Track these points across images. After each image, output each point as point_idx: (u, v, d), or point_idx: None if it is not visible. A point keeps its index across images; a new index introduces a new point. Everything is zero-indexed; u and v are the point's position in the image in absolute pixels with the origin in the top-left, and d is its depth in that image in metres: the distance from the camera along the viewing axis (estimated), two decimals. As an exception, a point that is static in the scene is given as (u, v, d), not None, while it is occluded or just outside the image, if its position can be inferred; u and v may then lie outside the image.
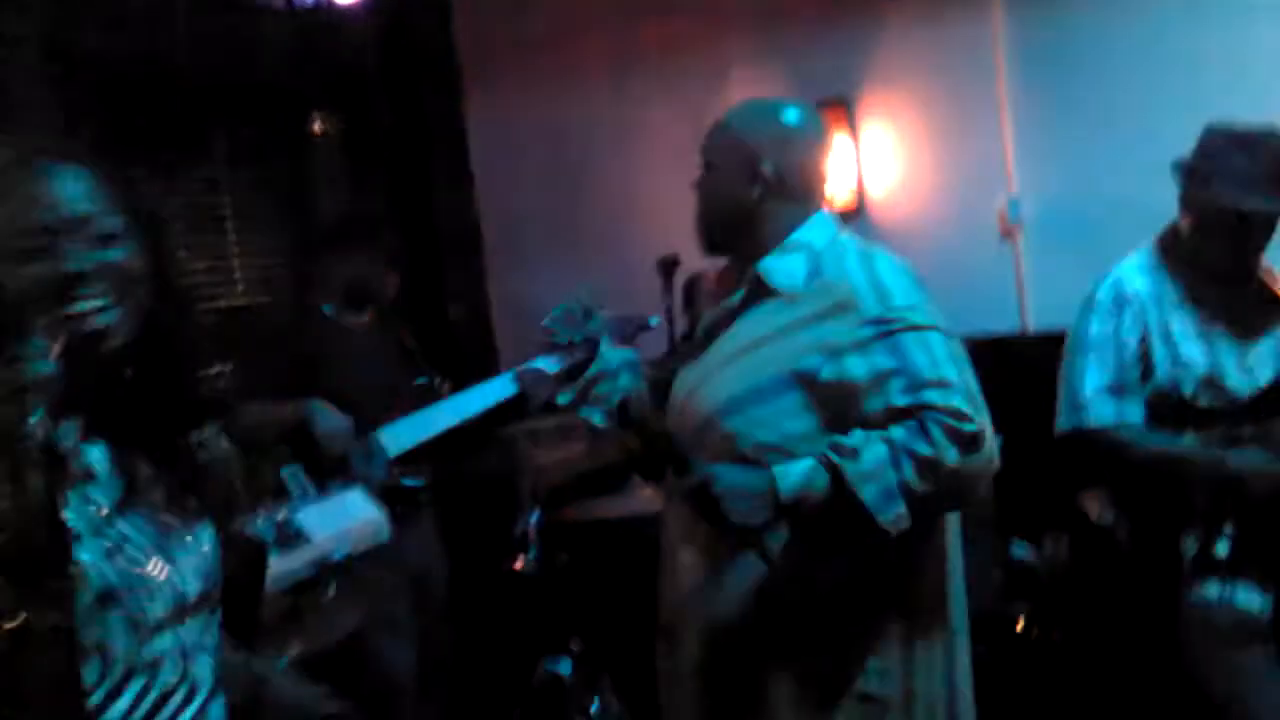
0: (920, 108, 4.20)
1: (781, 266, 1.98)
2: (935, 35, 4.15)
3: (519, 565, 3.38)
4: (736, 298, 2.03)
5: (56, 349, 1.20)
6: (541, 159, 4.87)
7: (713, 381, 1.99)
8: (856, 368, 1.85)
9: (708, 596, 1.95)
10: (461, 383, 3.39)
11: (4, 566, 1.14)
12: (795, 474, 1.81)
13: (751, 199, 2.01)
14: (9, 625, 1.13)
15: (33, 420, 1.14)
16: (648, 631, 2.16)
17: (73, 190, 1.27)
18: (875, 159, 4.28)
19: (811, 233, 2.00)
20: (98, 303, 1.25)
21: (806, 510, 1.82)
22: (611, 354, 2.32)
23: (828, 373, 1.86)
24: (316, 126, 4.64)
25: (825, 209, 2.06)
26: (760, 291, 1.99)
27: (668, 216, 4.75)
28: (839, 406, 1.87)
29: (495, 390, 3.17)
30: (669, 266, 3.15)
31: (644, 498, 3.44)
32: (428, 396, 3.21)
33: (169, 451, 1.39)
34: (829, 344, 1.87)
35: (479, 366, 4.38)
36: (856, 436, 1.82)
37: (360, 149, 4.75)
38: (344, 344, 3.22)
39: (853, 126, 4.26)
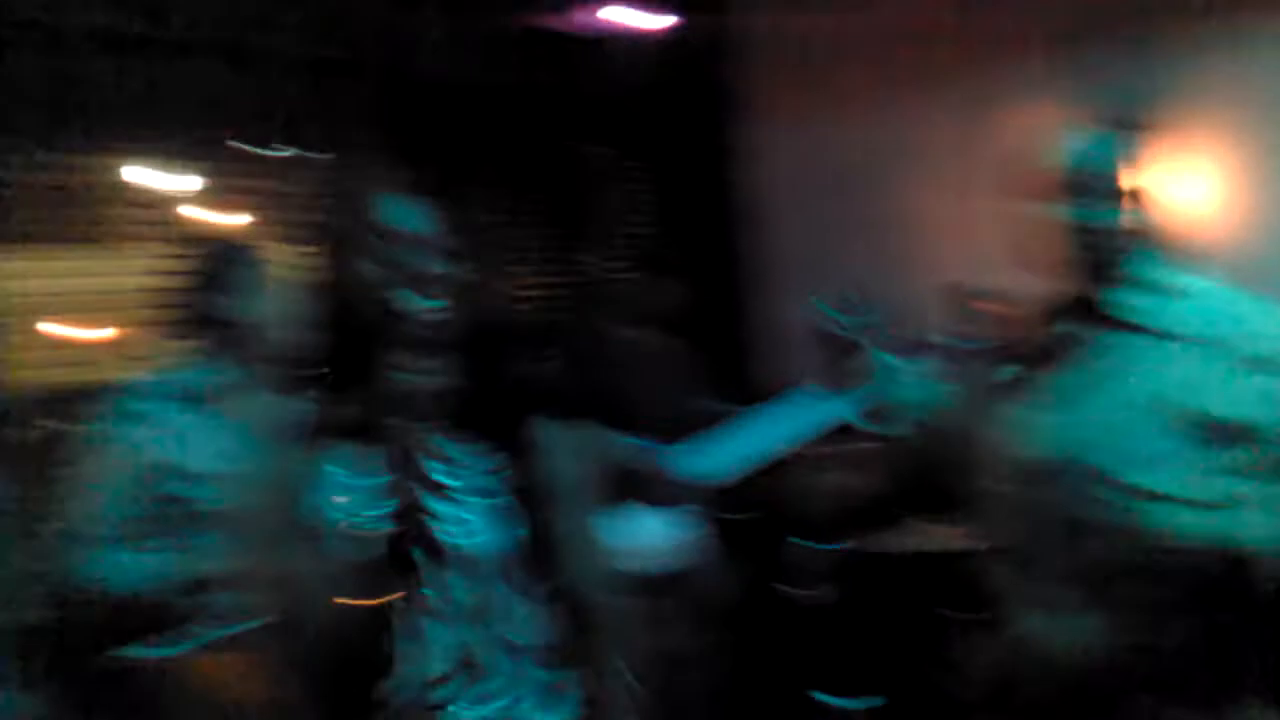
0: (1233, 135, 3.95)
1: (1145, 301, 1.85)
2: (1244, 57, 3.89)
3: (802, 595, 3.36)
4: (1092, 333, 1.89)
5: (433, 361, 1.35)
6: (823, 183, 4.86)
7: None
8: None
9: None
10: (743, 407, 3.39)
11: (388, 556, 1.32)
12: None
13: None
14: (377, 601, 1.30)
15: (415, 422, 1.27)
16: (929, 674, 2.07)
17: (411, 207, 1.48)
18: (1184, 186, 4.04)
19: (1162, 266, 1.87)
20: (414, 299, 1.43)
21: None
22: (901, 368, 2.25)
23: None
24: (601, 151, 4.82)
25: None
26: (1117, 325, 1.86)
27: (954, 242, 4.73)
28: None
29: (812, 419, 3.09)
30: (962, 294, 3.06)
31: (941, 534, 3.33)
32: (713, 420, 3.21)
33: (508, 444, 1.50)
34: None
35: (754, 391, 4.38)
36: None
37: (644, 172, 4.88)
38: (642, 361, 3.28)
39: (1158, 152, 4.02)
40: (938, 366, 2.46)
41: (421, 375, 1.37)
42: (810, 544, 3.43)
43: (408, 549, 1.32)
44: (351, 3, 3.84)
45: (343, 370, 1.49)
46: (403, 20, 3.92)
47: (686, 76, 4.91)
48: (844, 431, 3.30)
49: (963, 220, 4.49)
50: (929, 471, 3.52)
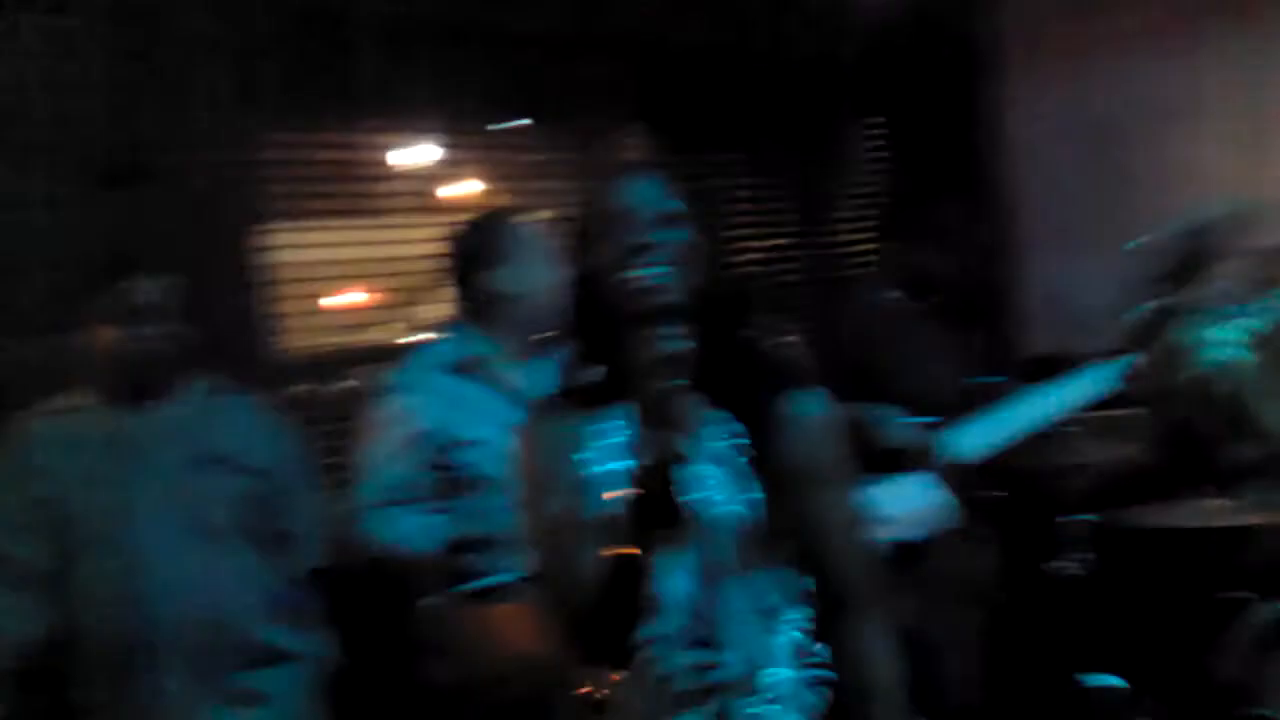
0: None
1: None
2: None
3: (1061, 569, 3.22)
4: None
5: (681, 330, 1.41)
6: (1084, 144, 4.61)
7: None
8: None
9: None
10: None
11: (640, 513, 1.39)
12: None
13: None
14: (622, 553, 1.39)
15: (672, 388, 1.34)
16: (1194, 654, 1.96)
17: (660, 178, 1.55)
18: None
19: None
20: (657, 270, 1.48)
21: None
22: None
23: None
24: (860, 112, 4.72)
25: None
26: None
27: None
28: None
29: (1078, 390, 2.94)
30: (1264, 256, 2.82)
31: (1208, 508, 3.12)
32: (991, 395, 3.07)
33: (755, 414, 1.53)
34: None
35: (1013, 364, 4.22)
36: None
37: (897, 135, 4.75)
38: (902, 331, 3.18)
39: None
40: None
41: (670, 343, 1.41)
42: (1072, 516, 3.27)
43: (657, 507, 1.37)
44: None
45: (596, 338, 1.55)
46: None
47: (938, 32, 4.74)
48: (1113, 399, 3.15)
49: (1242, 177, 4.18)
50: (1202, 442, 3.31)
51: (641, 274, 1.49)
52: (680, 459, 1.37)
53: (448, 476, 2.48)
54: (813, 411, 1.58)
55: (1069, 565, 3.19)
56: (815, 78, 4.39)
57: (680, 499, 1.38)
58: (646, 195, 1.55)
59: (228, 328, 2.72)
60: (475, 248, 2.60)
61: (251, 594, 2.39)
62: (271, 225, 3.23)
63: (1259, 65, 4.09)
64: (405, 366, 2.59)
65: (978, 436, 2.88)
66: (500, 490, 2.42)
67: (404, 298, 3.73)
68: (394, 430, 2.51)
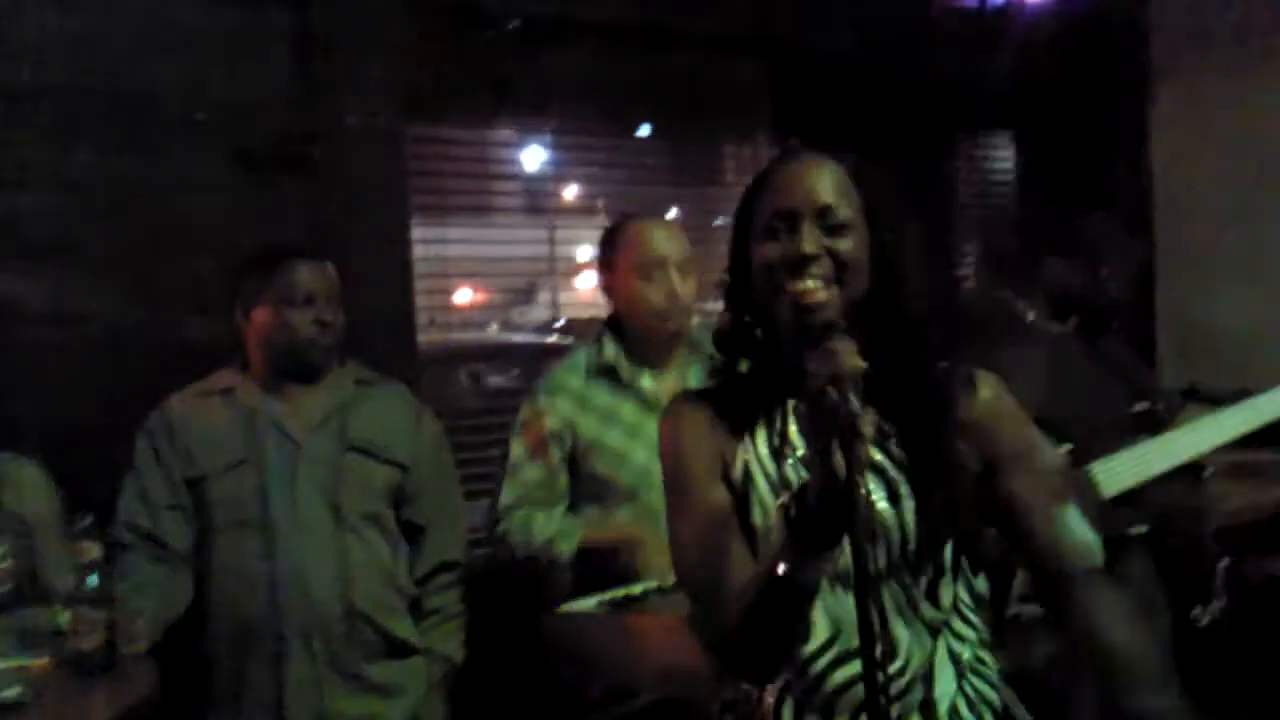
0: None
1: None
2: None
3: (1201, 616, 3.09)
4: None
5: (853, 345, 1.31)
6: (1239, 165, 4.42)
7: None
8: None
9: None
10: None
11: (801, 526, 1.31)
12: None
13: None
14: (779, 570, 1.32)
15: (853, 403, 1.25)
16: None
17: (812, 184, 1.45)
18: None
19: None
20: (814, 283, 1.41)
21: None
22: None
23: None
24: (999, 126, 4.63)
25: None
26: None
27: None
28: None
29: (1234, 423, 2.79)
30: None
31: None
32: (1147, 423, 2.91)
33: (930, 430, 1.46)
34: None
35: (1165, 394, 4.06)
36: None
37: (1041, 149, 4.64)
38: (1044, 353, 3.05)
39: None
40: None
41: (840, 356, 1.30)
42: (1213, 559, 3.14)
43: (821, 521, 1.28)
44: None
45: (753, 343, 1.50)
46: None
47: (1093, 52, 4.61)
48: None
49: None
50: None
51: (805, 284, 1.41)
52: (849, 474, 1.27)
53: (580, 478, 2.48)
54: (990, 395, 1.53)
55: (1208, 612, 3.06)
56: (955, 91, 4.30)
57: (846, 514, 1.29)
58: (801, 191, 1.45)
59: (375, 319, 2.74)
60: (609, 253, 2.58)
61: (384, 585, 2.41)
62: (415, 220, 3.26)
63: None
64: (552, 369, 2.59)
65: (1128, 467, 2.74)
66: (633, 495, 2.43)
67: (534, 298, 3.76)
68: (530, 430, 2.51)
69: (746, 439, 1.48)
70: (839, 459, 1.24)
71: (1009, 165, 4.77)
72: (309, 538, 2.34)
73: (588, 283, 4.19)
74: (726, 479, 1.47)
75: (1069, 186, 4.70)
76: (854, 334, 1.36)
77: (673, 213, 3.84)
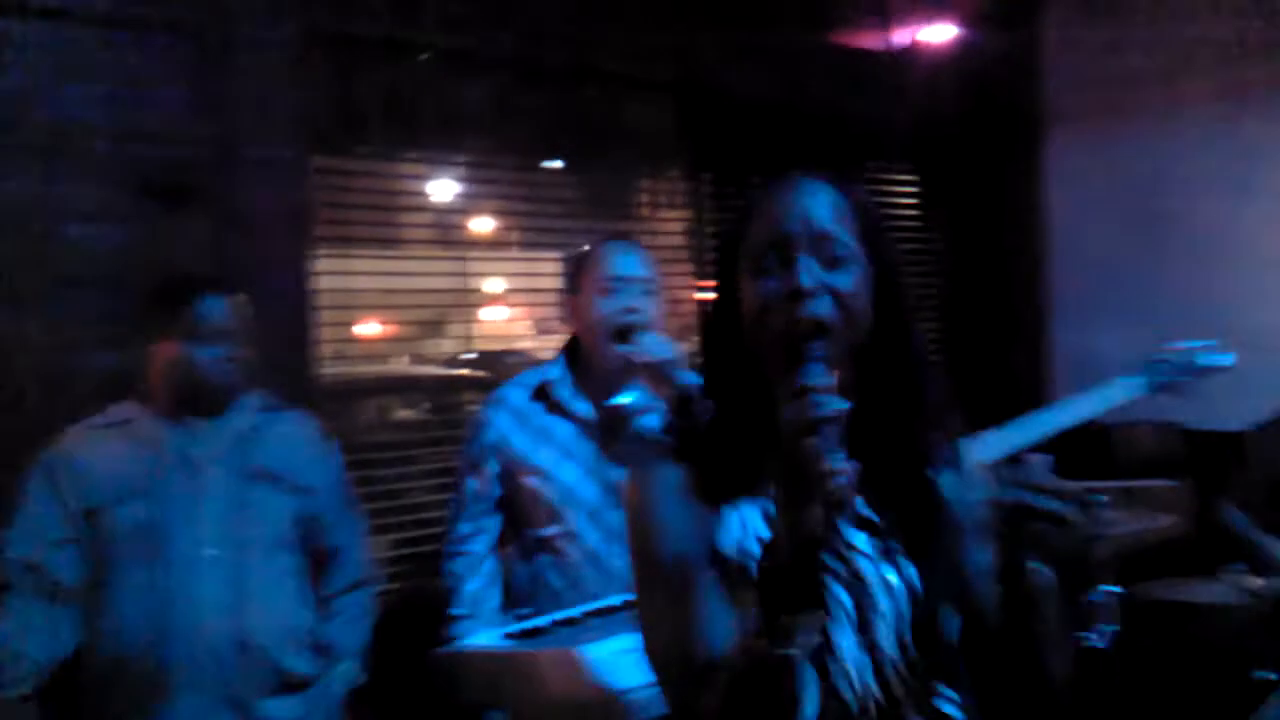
0: None
1: None
2: None
3: (1086, 640, 3.18)
4: None
5: (836, 380, 1.19)
6: (1126, 208, 4.59)
7: None
8: None
9: None
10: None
11: (771, 597, 1.17)
12: None
13: None
14: (764, 650, 1.17)
15: (828, 455, 1.13)
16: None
17: (807, 211, 1.31)
18: None
19: None
20: (813, 318, 1.25)
21: None
22: None
23: None
24: (878, 171, 4.76)
25: None
26: None
27: (1272, 279, 4.39)
28: None
29: (1105, 396, 2.89)
30: None
31: (1241, 585, 3.10)
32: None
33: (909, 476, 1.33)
34: None
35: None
36: None
37: (943, 188, 4.77)
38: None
39: None
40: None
41: (823, 399, 1.16)
42: (1101, 587, 3.24)
43: (794, 588, 1.15)
44: (649, 18, 3.92)
45: (729, 380, 1.35)
46: (703, 37, 3.97)
47: (991, 95, 4.77)
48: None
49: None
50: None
51: (795, 311, 1.26)
52: (825, 537, 1.15)
53: (510, 493, 2.50)
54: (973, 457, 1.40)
55: (1094, 637, 3.15)
56: (863, 135, 4.41)
57: (821, 581, 1.18)
58: (806, 224, 1.30)
59: (274, 350, 2.71)
60: (573, 276, 2.57)
61: (285, 618, 2.37)
62: (317, 252, 3.24)
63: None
64: (502, 384, 2.61)
65: (994, 443, 2.82)
66: (558, 517, 2.45)
67: (443, 330, 3.75)
68: (472, 442, 2.54)
69: (738, 503, 1.32)
70: (811, 513, 1.13)
71: (913, 203, 4.90)
72: (209, 569, 2.28)
73: (498, 315, 4.21)
74: (713, 551, 1.30)
75: (969, 226, 4.85)
76: (852, 377, 1.26)
77: (585, 248, 3.87)
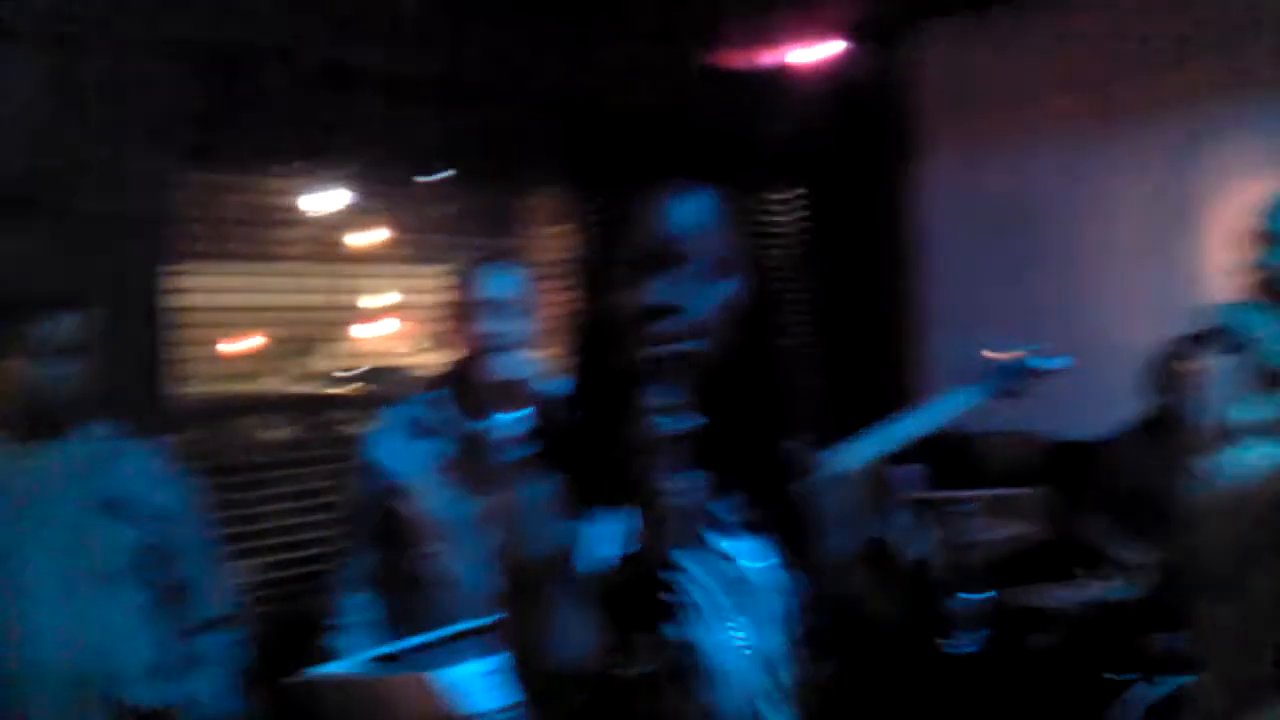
0: None
1: None
2: None
3: (948, 645, 3.27)
4: None
5: (684, 402, 1.20)
6: (993, 227, 4.74)
7: None
8: None
9: None
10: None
11: (621, 617, 1.18)
12: None
13: None
14: (623, 673, 1.18)
15: (665, 474, 1.15)
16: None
17: (677, 225, 1.32)
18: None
19: None
20: (676, 332, 1.26)
21: None
22: None
23: None
24: (763, 188, 4.83)
25: None
26: None
27: (1131, 294, 4.58)
28: None
29: (947, 406, 2.97)
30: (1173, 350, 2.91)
31: (1099, 589, 3.22)
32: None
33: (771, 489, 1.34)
34: None
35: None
36: None
37: (812, 203, 4.85)
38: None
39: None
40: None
41: (671, 417, 1.19)
42: (964, 593, 3.33)
43: (662, 603, 1.18)
44: (531, 34, 3.93)
45: (594, 411, 1.33)
46: (587, 53, 3.99)
47: (861, 111, 4.88)
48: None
49: (1146, 269, 4.36)
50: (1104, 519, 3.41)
51: (657, 325, 1.27)
52: (665, 553, 1.17)
53: (382, 513, 2.47)
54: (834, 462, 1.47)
55: (963, 643, 3.24)
56: (746, 150, 4.48)
57: (670, 596, 1.19)
58: (677, 238, 1.30)
59: (131, 370, 2.64)
60: (450, 297, 2.53)
61: (130, 650, 2.30)
62: (180, 267, 3.16)
63: (1169, 160, 4.28)
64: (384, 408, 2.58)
65: (847, 454, 2.89)
66: (426, 538, 2.42)
67: (314, 347, 3.68)
68: (350, 465, 2.52)
69: (603, 516, 1.30)
70: (655, 530, 1.15)
71: (795, 217, 4.99)
72: (48, 600, 2.21)
73: (376, 331, 4.14)
74: (577, 564, 1.28)
75: (847, 238, 4.96)
76: (716, 387, 1.27)
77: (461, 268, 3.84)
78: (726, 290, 1.31)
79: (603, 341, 1.32)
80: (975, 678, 3.27)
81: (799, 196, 4.95)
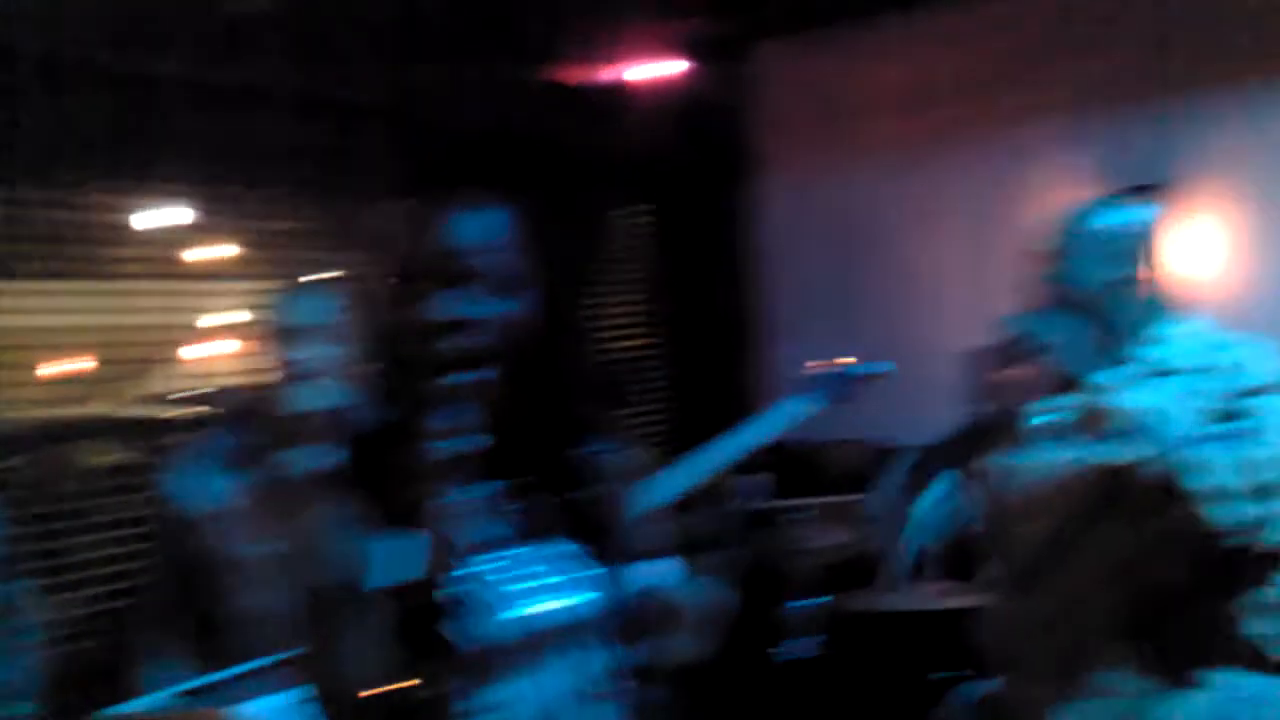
0: (1242, 201, 4.03)
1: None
2: (1261, 128, 3.96)
3: (782, 651, 3.34)
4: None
5: (480, 421, 1.22)
6: (832, 242, 4.88)
7: None
8: None
9: None
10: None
11: (403, 634, 1.19)
12: None
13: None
14: (401, 686, 1.19)
15: (440, 497, 1.17)
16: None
17: (470, 240, 1.32)
18: (1190, 249, 4.07)
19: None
20: (465, 349, 1.26)
21: None
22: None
23: None
24: (604, 203, 4.88)
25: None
26: None
27: (958, 306, 4.74)
28: None
29: (777, 418, 3.03)
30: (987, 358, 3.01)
31: (926, 592, 3.32)
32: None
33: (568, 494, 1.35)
34: None
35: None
36: None
37: (656, 225, 4.91)
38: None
39: (1167, 215, 4.07)
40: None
41: (459, 435, 1.20)
42: (796, 600, 3.41)
43: (449, 623, 1.19)
44: (371, 47, 3.88)
45: (391, 430, 1.32)
46: (423, 67, 3.96)
47: (701, 128, 4.95)
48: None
49: (975, 281, 4.52)
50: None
51: (454, 349, 1.27)
52: (457, 580, 1.19)
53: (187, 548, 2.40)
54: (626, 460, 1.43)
55: (797, 648, 3.31)
56: (585, 165, 4.51)
57: (448, 622, 1.20)
58: (469, 253, 1.31)
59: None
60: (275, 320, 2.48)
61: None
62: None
63: (993, 178, 4.46)
64: (183, 453, 2.50)
65: (666, 485, 2.91)
66: (235, 572, 2.37)
67: (142, 368, 3.57)
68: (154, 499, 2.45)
69: (399, 537, 1.29)
70: (436, 554, 1.16)
71: (638, 232, 5.04)
72: None
73: (209, 351, 4.04)
74: (370, 587, 1.28)
75: (692, 253, 5.03)
76: (512, 399, 1.27)
77: (312, 276, 3.78)
78: (516, 306, 1.32)
79: (398, 359, 1.31)
80: (808, 683, 3.35)
81: (642, 212, 5.00)
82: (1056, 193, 4.43)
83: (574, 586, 1.32)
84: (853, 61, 4.72)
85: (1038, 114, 4.35)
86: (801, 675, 3.30)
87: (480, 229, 1.34)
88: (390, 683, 1.22)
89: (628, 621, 1.41)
